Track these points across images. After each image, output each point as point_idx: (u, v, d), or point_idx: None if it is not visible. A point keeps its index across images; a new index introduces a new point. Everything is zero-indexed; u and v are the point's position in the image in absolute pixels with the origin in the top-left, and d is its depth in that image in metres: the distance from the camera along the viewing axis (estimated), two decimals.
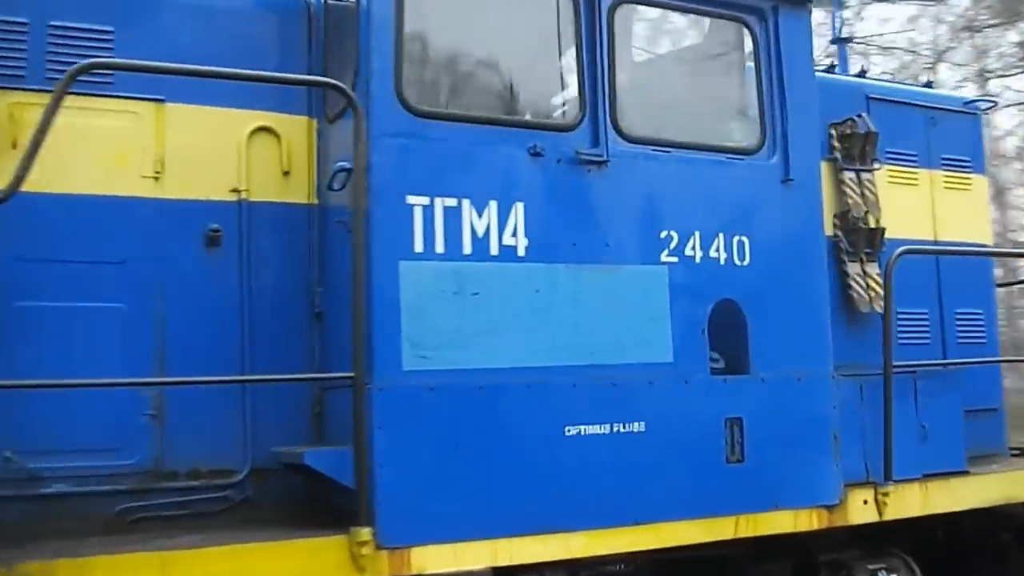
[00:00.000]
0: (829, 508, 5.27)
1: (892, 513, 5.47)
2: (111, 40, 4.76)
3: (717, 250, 5.11)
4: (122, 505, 4.57)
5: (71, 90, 4.60)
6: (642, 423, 4.81)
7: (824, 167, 6.37)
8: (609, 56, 4.94)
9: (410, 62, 4.55)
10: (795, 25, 5.47)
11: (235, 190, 4.92)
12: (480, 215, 4.57)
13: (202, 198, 4.87)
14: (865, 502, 5.40)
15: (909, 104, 6.92)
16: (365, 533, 4.18)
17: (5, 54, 4.57)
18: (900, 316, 6.56)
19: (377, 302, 4.35)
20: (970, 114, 7.24)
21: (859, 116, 6.47)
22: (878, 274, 6.37)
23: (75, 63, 4.03)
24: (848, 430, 5.39)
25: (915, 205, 6.83)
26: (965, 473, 5.83)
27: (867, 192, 6.42)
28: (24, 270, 4.50)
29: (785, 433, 5.16)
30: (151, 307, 4.72)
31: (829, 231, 6.36)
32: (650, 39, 5.40)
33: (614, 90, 4.95)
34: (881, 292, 6.28)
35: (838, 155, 6.42)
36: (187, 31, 4.92)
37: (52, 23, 4.67)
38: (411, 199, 4.45)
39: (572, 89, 4.87)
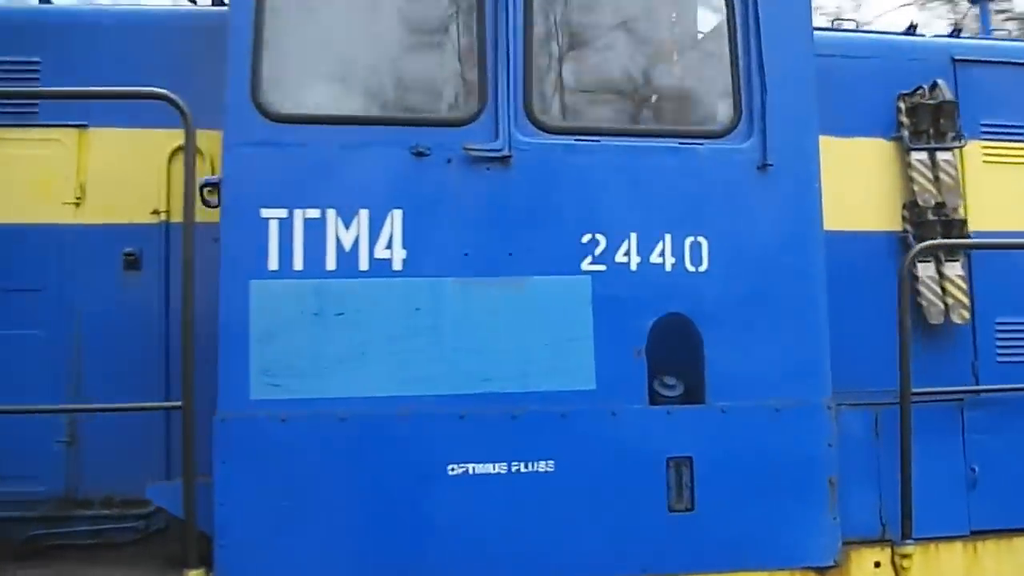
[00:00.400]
0: (820, 571, 4.21)
1: None
2: (37, 70, 4.81)
3: (662, 255, 4.25)
4: (33, 531, 4.56)
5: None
6: (550, 462, 4.08)
7: (889, 148, 5.24)
8: (525, 31, 4.28)
9: (271, 65, 4.17)
10: None
11: (156, 211, 4.80)
12: (348, 226, 4.10)
13: (123, 222, 4.79)
14: (877, 565, 4.27)
15: (1016, 63, 5.48)
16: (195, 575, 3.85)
17: None
18: (1004, 327, 5.20)
19: (224, 325, 4.02)
20: None
21: (935, 83, 5.21)
22: (959, 276, 5.07)
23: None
24: (856, 473, 4.30)
25: None
26: None
27: (944, 176, 5.14)
28: None
29: (754, 476, 4.18)
30: (68, 332, 4.70)
31: (897, 225, 5.19)
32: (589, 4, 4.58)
33: (530, 72, 4.28)
34: (964, 300, 5.02)
35: (906, 132, 5.20)
36: (115, 52, 4.88)
37: None
38: (266, 212, 4.07)
39: (471, 76, 4.25)
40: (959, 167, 5.21)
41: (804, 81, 4.46)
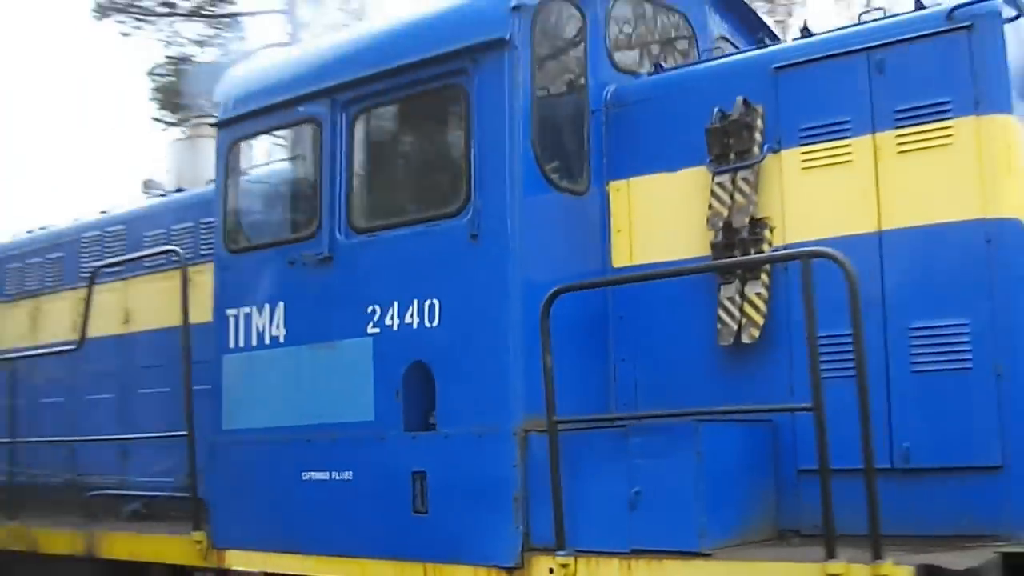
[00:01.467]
0: (508, 571, 5.03)
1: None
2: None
3: (412, 316, 5.55)
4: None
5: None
6: (350, 472, 5.74)
7: (703, 176, 5.42)
8: (347, 168, 5.98)
9: (234, 217, 6.62)
10: (494, 66, 5.35)
11: None
12: (260, 316, 6.32)
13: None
14: (551, 571, 4.87)
15: (839, 55, 5.00)
16: (198, 535, 6.50)
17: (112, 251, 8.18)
18: (827, 341, 4.98)
19: (214, 382, 6.58)
20: (957, 29, 4.67)
21: (741, 101, 5.23)
22: (757, 295, 5.07)
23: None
24: (542, 490, 4.98)
25: (846, 190, 4.93)
26: (696, 555, 4.45)
27: (737, 195, 5.15)
28: (140, 373, 7.96)
29: (463, 489, 5.23)
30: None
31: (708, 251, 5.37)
32: (377, 129, 5.96)
33: (350, 192, 5.97)
34: (757, 319, 5.10)
35: (709, 157, 5.32)
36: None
37: (145, 234, 8.10)
38: (228, 312, 6.53)
39: (315, 204, 6.12)
40: (766, 182, 5.14)
41: (503, 152, 5.27)
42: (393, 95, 5.87)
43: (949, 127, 4.70)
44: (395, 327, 5.63)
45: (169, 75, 26.95)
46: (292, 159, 6.62)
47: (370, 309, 5.75)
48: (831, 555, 4.08)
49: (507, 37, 5.30)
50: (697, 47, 6.56)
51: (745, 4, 6.97)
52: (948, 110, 4.71)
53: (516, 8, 5.33)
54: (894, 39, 4.89)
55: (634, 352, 5.57)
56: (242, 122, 6.55)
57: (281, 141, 6.60)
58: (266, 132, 6.57)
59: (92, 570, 7.36)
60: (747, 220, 5.11)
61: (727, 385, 5.23)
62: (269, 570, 6.16)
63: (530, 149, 5.35)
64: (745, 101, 5.22)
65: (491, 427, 5.17)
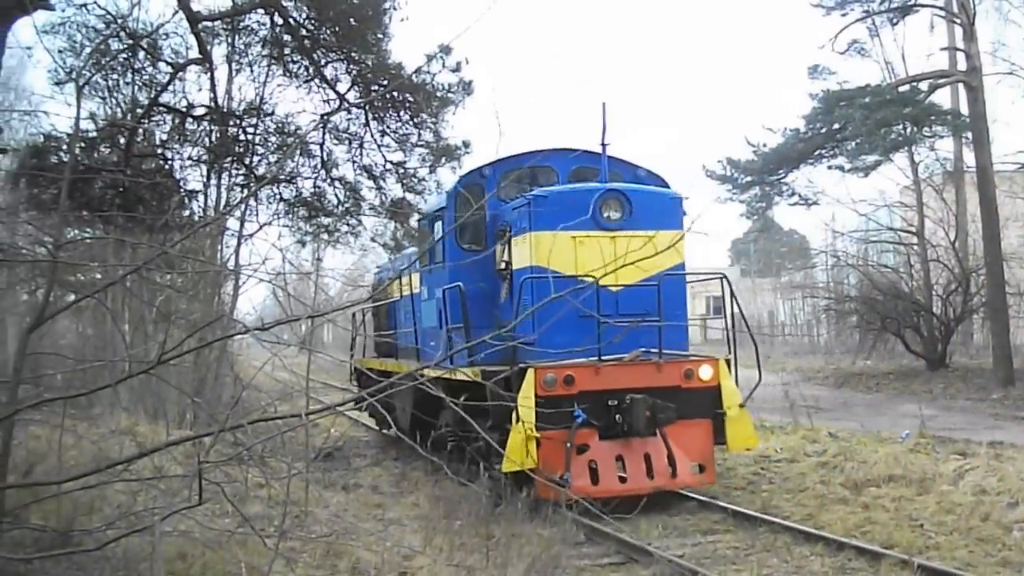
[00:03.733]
0: (450, 371, 16.49)
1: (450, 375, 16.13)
2: None
3: (439, 293, 17.23)
4: None
5: None
6: (435, 342, 17.56)
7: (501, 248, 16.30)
8: (433, 242, 17.78)
9: (424, 254, 18.75)
10: (444, 215, 16.72)
11: None
12: (425, 288, 18.41)
13: None
14: (453, 372, 16.26)
15: (521, 206, 15.41)
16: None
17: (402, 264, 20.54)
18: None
19: (420, 314, 18.92)
20: (526, 204, 14.78)
21: (502, 221, 15.94)
22: (506, 283, 15.87)
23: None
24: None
25: (519, 253, 15.37)
26: (457, 369, 15.47)
27: (502, 254, 15.90)
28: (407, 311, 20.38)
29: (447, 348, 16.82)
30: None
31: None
32: (437, 230, 17.36)
33: (433, 249, 17.75)
34: (505, 293, 16.02)
35: (498, 242, 16.10)
36: None
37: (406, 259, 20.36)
38: (422, 288, 18.72)
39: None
40: (511, 249, 15.75)
41: (445, 244, 16.59)
42: (434, 220, 17.51)
43: (527, 236, 15.07)
44: (437, 296, 17.36)
45: None
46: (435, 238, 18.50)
47: (436, 289, 17.53)
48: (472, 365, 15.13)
49: (445, 205, 16.69)
50: (558, 178, 16.89)
51: (588, 151, 17.02)
52: (527, 229, 15.07)
53: (448, 194, 16.66)
54: (525, 202, 15.28)
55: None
56: (423, 220, 18.67)
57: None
58: (425, 225, 18.55)
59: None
60: (505, 263, 15.86)
61: (506, 313, 15.98)
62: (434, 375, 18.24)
63: (454, 240, 16.65)
64: (503, 221, 15.91)
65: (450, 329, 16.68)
